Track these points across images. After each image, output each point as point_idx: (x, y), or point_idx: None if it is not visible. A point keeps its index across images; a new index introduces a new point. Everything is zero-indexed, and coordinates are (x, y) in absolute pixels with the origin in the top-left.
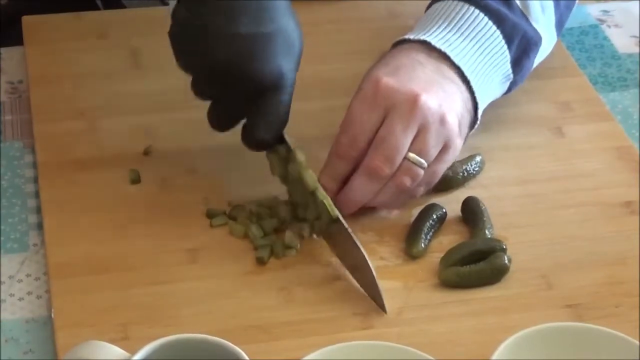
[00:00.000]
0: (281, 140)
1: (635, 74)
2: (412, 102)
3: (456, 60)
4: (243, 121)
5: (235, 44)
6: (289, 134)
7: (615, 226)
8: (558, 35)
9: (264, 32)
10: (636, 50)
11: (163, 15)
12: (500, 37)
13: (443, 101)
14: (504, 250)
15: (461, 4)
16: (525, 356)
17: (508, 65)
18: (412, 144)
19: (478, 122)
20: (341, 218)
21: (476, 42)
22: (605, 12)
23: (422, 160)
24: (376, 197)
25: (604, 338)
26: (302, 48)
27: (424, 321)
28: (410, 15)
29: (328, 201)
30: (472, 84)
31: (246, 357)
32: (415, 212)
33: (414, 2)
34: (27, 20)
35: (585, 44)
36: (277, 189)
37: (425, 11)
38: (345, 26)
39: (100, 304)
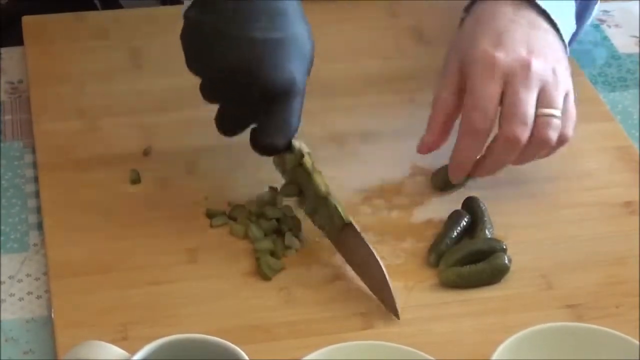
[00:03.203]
0: (290, 145)
1: (635, 74)
2: (526, 68)
3: (542, 4)
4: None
5: (248, 49)
6: None
7: (615, 226)
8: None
9: (278, 38)
10: (636, 50)
11: (163, 15)
12: None
13: (549, 55)
14: (504, 250)
15: None
16: (525, 356)
17: (573, 16)
18: (538, 102)
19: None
20: (353, 222)
21: None
22: (605, 12)
23: (555, 111)
24: (519, 159)
25: (604, 338)
26: (313, 54)
27: (424, 321)
28: (410, 15)
29: (341, 206)
30: (559, 26)
31: (246, 357)
32: (416, 212)
33: (414, 2)
34: (27, 20)
35: (585, 44)
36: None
37: None
38: (345, 26)
39: (100, 304)
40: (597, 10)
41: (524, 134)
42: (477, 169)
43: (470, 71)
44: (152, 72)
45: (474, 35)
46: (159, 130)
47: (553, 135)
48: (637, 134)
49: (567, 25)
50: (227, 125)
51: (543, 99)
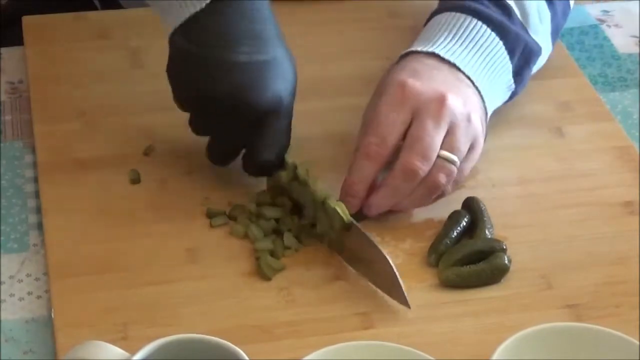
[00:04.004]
0: (282, 164)
1: (635, 74)
2: (440, 102)
3: (465, 71)
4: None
5: (235, 73)
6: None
7: (615, 226)
8: (553, 44)
9: (262, 60)
10: (636, 50)
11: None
12: (503, 48)
13: (466, 101)
14: (504, 250)
15: (464, 16)
16: (525, 356)
17: (510, 76)
18: (443, 142)
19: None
20: (354, 222)
21: (481, 54)
22: (605, 12)
23: (455, 158)
24: (409, 196)
25: (604, 338)
26: (296, 75)
27: (424, 321)
28: (410, 15)
29: (341, 207)
30: (482, 94)
31: (246, 357)
32: (416, 212)
33: (414, 2)
34: (27, 20)
35: (585, 44)
36: None
37: (425, 24)
38: (345, 26)
39: (100, 304)
40: (568, 10)
41: (423, 168)
42: (369, 199)
43: (380, 98)
44: (152, 72)
45: (391, 73)
46: (159, 130)
47: (444, 182)
48: (637, 134)
49: (494, 98)
50: (219, 155)
51: (448, 142)
